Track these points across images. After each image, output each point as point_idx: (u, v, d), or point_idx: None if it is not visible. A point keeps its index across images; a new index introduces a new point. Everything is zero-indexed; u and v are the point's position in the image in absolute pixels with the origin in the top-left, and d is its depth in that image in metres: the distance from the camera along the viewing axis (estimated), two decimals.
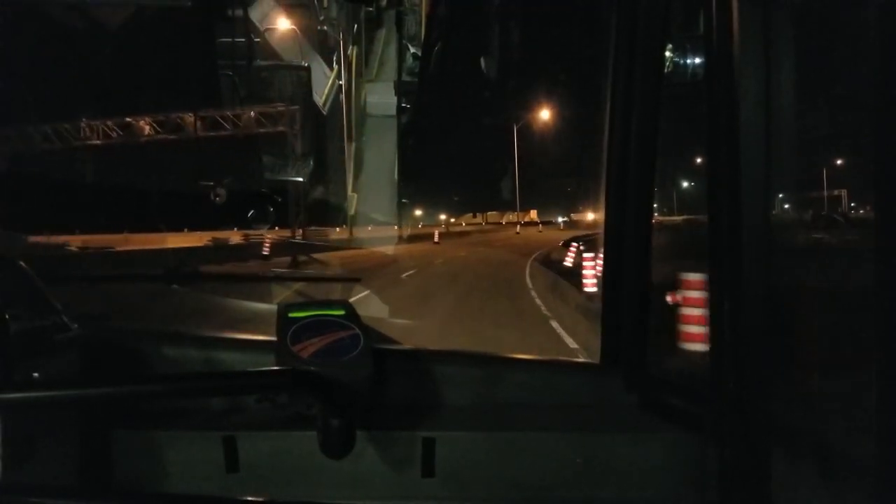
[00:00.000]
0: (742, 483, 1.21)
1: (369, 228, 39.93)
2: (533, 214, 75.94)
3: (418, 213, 54.61)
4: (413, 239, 41.54)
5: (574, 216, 73.64)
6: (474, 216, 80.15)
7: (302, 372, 1.45)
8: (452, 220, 70.80)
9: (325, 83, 34.15)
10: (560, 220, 75.16)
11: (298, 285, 2.88)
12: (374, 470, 1.63)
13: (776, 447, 1.22)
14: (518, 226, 63.41)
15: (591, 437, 1.68)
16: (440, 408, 1.81)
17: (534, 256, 26.79)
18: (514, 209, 69.71)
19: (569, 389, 1.87)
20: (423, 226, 50.82)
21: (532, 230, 62.95)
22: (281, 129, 32.75)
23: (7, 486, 1.21)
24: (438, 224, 59.95)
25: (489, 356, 2.00)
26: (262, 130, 32.37)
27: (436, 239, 41.07)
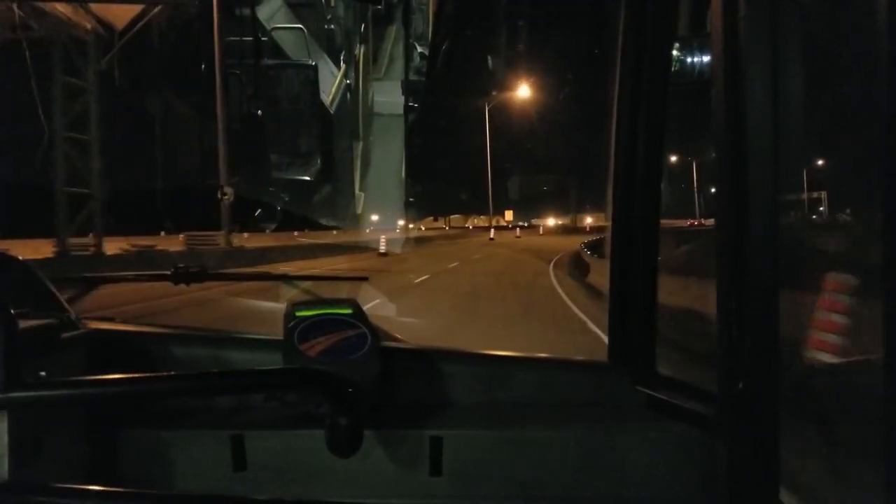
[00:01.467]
0: (750, 481, 1.20)
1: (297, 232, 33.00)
2: (508, 216, 65.31)
3: (374, 217, 47.62)
4: (349, 250, 28.21)
5: (535, 221, 66.28)
6: (435, 220, 69.37)
7: (309, 371, 1.46)
8: (411, 225, 59.38)
9: (332, 82, 34.13)
10: (520, 225, 64.05)
11: (306, 284, 2.89)
12: (382, 469, 1.63)
13: (784, 445, 1.22)
14: (492, 230, 52.23)
15: (598, 435, 1.68)
16: (448, 406, 1.81)
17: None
18: (483, 212, 58.40)
19: (576, 388, 1.87)
20: (371, 230, 39.38)
21: (507, 235, 52.46)
22: (72, 31, 17.02)
23: (15, 485, 1.22)
24: (398, 229, 49.74)
25: (496, 355, 2.00)
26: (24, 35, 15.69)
27: (382, 247, 27.25)
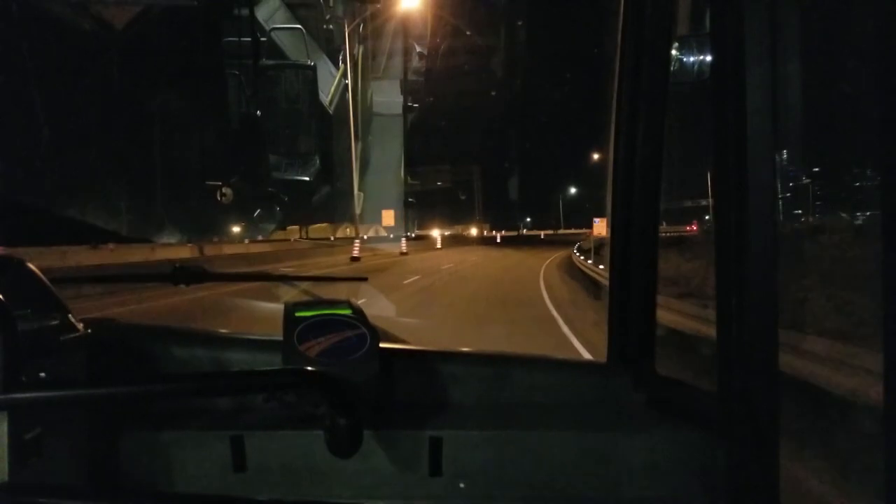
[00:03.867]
0: (751, 481, 1.20)
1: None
2: (387, 218, 41.32)
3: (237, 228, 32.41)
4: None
5: (419, 231, 48.31)
6: (283, 229, 45.45)
7: (309, 371, 1.46)
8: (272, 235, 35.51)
9: (331, 82, 34.04)
10: (406, 235, 40.52)
11: (305, 285, 2.89)
12: (382, 469, 1.63)
13: (785, 445, 1.21)
14: (356, 245, 30.87)
15: (598, 436, 1.68)
16: (447, 407, 1.81)
17: None
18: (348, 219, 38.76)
19: (576, 388, 1.87)
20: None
21: (387, 253, 34.15)
22: None
23: (15, 487, 1.22)
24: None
25: (496, 355, 2.00)
26: None
27: None
